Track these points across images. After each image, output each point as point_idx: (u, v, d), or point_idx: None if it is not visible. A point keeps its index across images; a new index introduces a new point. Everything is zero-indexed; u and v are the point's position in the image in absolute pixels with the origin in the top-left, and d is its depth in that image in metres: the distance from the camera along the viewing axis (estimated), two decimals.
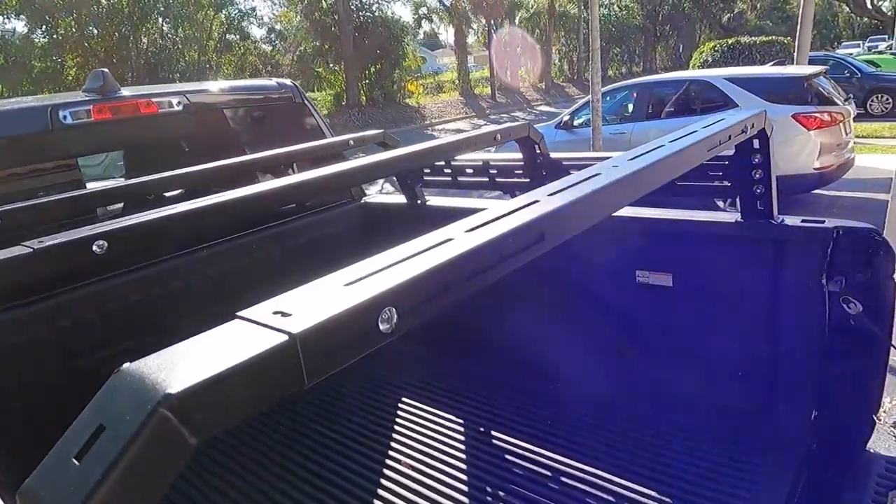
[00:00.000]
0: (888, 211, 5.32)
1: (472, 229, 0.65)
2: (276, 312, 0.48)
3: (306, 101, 2.65)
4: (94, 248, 0.93)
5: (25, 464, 0.44)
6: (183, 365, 0.41)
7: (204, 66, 20.86)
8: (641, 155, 0.97)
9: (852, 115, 7.10)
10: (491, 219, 0.68)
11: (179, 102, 2.22)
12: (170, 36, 20.64)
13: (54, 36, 18.40)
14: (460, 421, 2.00)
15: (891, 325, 1.49)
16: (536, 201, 0.74)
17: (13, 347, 1.63)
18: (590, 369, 2.09)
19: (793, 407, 1.65)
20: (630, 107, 8.30)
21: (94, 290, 1.79)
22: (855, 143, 7.43)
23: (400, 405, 2.14)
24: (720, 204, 6.20)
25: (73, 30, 18.25)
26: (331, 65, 23.96)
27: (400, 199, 2.54)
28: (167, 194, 2.03)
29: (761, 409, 1.71)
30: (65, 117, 1.98)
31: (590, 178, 0.85)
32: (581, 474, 1.70)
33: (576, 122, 8.50)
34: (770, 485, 1.54)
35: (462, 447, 1.89)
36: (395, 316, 0.51)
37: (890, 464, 1.49)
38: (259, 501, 1.71)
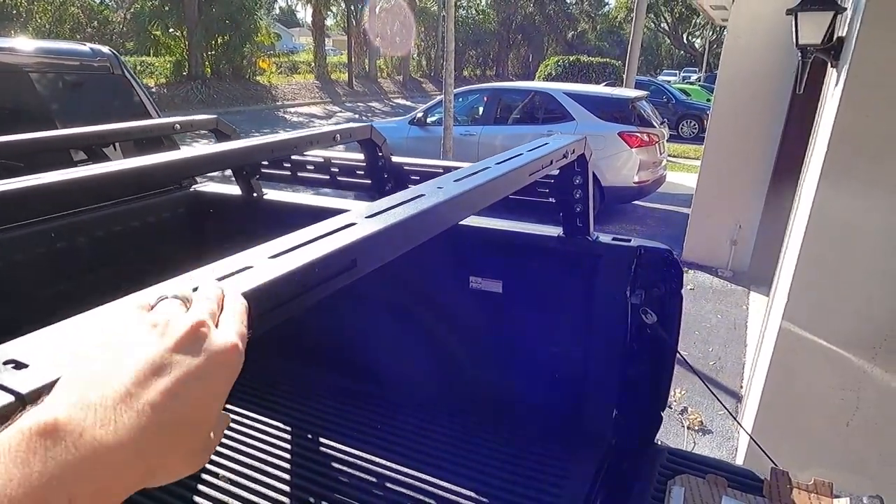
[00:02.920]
0: (688, 223, 6.13)
1: (276, 255, 0.60)
2: (7, 362, 0.40)
3: (127, 73, 2.36)
4: None
5: None
6: None
7: (10, 11, 17.78)
8: (467, 177, 0.99)
9: (666, 137, 8.08)
10: (298, 243, 0.64)
11: None
12: None
13: None
14: (287, 427, 1.92)
15: (678, 333, 1.70)
16: (353, 224, 0.72)
17: None
18: (422, 371, 2.13)
19: (599, 406, 1.82)
20: (480, 110, 8.65)
21: None
22: (668, 161, 8.47)
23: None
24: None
25: None
26: (171, 29, 21.79)
27: (234, 189, 2.38)
28: None
29: (573, 408, 1.86)
30: None
31: (413, 199, 0.85)
32: (408, 472, 1.72)
33: (429, 120, 8.66)
34: (577, 476, 1.69)
35: (287, 453, 1.82)
36: None
37: (671, 454, 1.71)
38: None
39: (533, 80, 21.36)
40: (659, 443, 1.85)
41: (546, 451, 1.80)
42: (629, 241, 1.71)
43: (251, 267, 0.57)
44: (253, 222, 2.37)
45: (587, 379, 1.84)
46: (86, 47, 2.29)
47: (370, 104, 26.16)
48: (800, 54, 2.75)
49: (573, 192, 1.67)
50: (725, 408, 2.19)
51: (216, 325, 0.43)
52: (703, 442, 3.29)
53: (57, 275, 1.99)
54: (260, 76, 24.44)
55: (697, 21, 41.62)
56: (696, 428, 3.39)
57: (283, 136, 1.58)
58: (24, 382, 0.38)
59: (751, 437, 1.88)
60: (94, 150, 2.06)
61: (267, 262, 0.59)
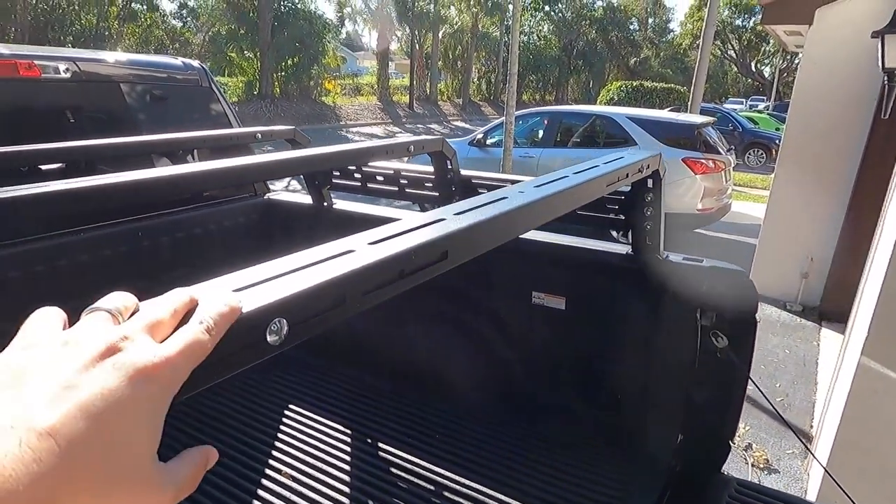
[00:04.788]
0: (755, 254, 5.89)
1: (375, 242, 0.63)
2: None
3: (214, 86, 2.51)
4: None
5: None
6: None
7: (102, 33, 19.22)
8: (547, 184, 1.00)
9: (732, 165, 7.84)
10: (394, 233, 0.67)
11: (68, 69, 2.02)
12: None
13: None
14: (347, 431, 1.96)
15: (750, 359, 1.64)
16: (442, 219, 0.74)
17: None
18: (481, 384, 2.13)
19: (662, 429, 1.76)
20: (540, 133, 8.65)
21: None
22: (733, 190, 8.20)
23: (285, 412, 2.06)
24: (614, 234, 6.60)
25: None
26: (245, 52, 22.99)
27: (306, 199, 2.47)
28: (44, 168, 1.84)
29: (636, 430, 1.81)
30: None
31: (496, 201, 0.86)
32: (466, 483, 1.71)
33: (488, 142, 8.73)
34: (638, 501, 1.64)
35: (345, 457, 1.85)
36: (286, 328, 0.48)
37: (740, 486, 1.63)
38: None
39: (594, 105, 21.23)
40: (725, 472, 1.78)
41: (606, 473, 1.75)
42: (701, 261, 1.67)
43: (353, 251, 0.60)
44: (322, 229, 2.45)
45: (652, 401, 1.80)
46: (178, 61, 2.46)
47: (430, 126, 26.65)
48: (886, 78, 2.63)
49: (644, 210, 1.65)
50: (799, 438, 2.08)
51: (162, 337, 0.39)
52: (769, 482, 3.12)
53: (138, 272, 2.11)
54: (325, 97, 25.36)
55: (767, 49, 40.43)
56: (762, 466, 3.22)
57: (359, 144, 1.65)
58: None
59: (827, 472, 1.77)
60: (179, 156, 2.19)
61: (366, 247, 0.62)
